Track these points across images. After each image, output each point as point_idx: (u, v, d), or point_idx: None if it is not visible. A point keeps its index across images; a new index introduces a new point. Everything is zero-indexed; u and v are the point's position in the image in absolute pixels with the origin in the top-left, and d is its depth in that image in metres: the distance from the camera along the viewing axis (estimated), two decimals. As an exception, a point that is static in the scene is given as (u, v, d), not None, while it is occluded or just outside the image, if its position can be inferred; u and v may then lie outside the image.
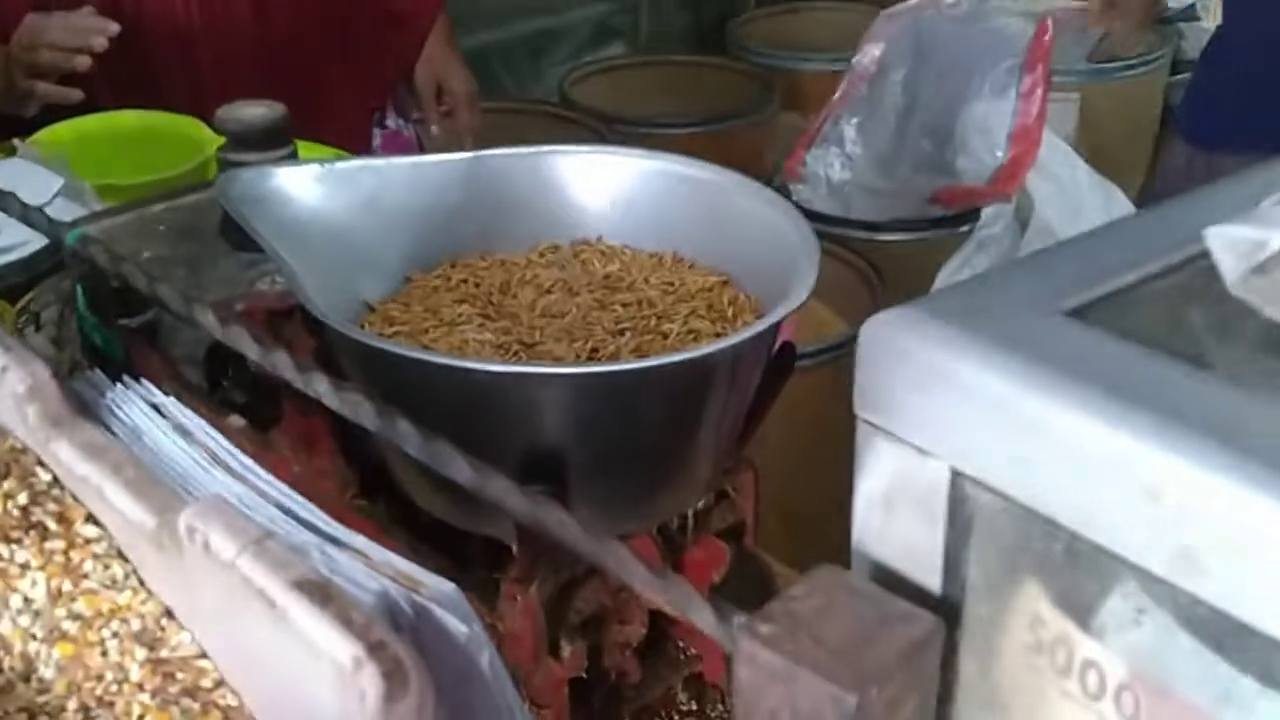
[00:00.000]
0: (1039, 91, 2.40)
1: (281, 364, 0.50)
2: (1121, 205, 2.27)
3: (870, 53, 2.52)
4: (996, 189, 2.32)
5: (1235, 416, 0.32)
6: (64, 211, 1.10)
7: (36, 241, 1.05)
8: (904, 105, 2.50)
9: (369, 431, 0.80)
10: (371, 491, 0.81)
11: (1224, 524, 0.30)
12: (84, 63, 1.29)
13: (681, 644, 0.84)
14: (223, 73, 1.50)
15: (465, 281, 0.81)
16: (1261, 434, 0.31)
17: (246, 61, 1.51)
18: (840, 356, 1.83)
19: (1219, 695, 0.31)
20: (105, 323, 0.60)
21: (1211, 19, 2.79)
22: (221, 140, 0.95)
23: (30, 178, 1.12)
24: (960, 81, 2.44)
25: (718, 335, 0.75)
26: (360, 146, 1.68)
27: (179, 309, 0.55)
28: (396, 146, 1.73)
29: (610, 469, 0.69)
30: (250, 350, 0.52)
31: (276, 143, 0.94)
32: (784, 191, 2.39)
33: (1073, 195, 2.37)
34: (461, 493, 0.72)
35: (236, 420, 0.89)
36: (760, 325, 0.70)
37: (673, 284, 0.80)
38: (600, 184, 0.84)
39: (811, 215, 2.33)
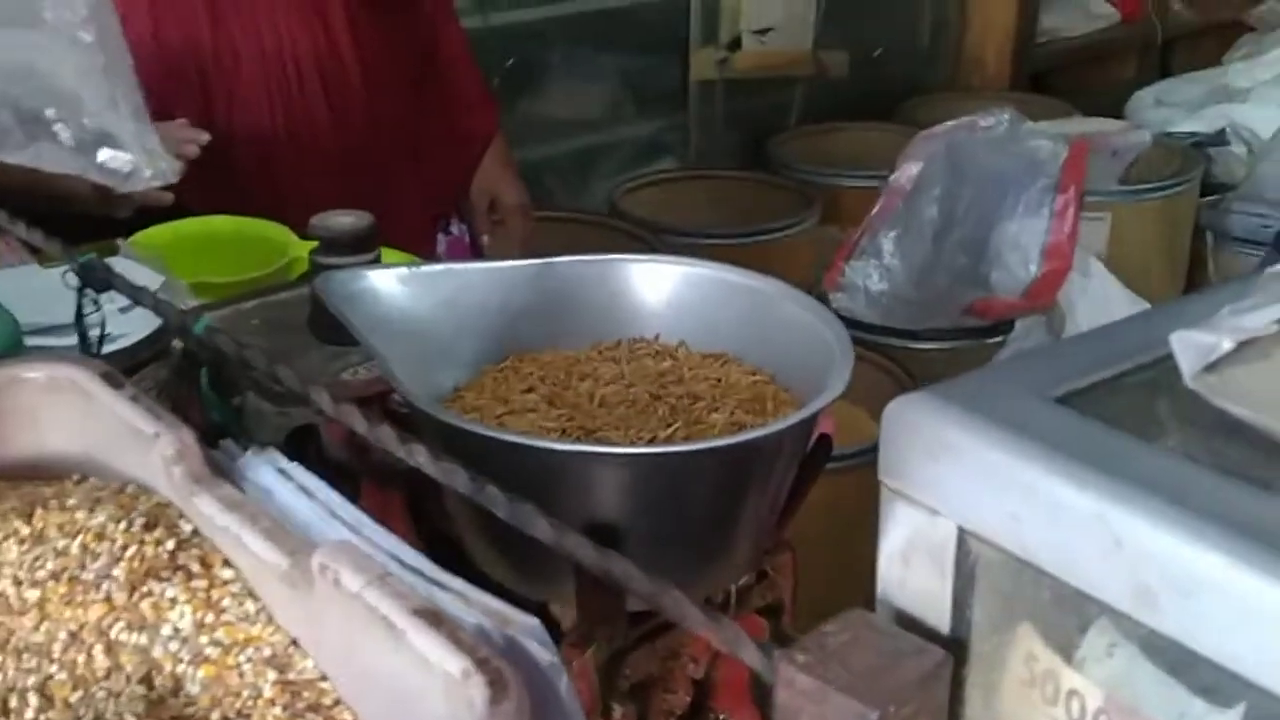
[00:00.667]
0: (1072, 210, 2.49)
1: (386, 437, 0.59)
2: (1151, 320, 2.32)
3: (907, 170, 2.62)
4: (1031, 302, 2.40)
5: (1185, 482, 0.39)
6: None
7: (137, 333, 1.15)
8: (940, 221, 2.60)
9: (439, 507, 0.88)
10: (440, 564, 0.89)
11: (1174, 567, 0.37)
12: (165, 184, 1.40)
13: (721, 715, 0.90)
14: (301, 180, 1.61)
15: (532, 373, 0.89)
16: (1205, 495, 0.38)
17: (323, 171, 1.62)
18: (874, 460, 1.89)
19: (1177, 716, 0.37)
20: (225, 402, 0.69)
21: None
22: (305, 244, 1.05)
23: (131, 274, 1.22)
24: (995, 199, 2.54)
25: (759, 423, 0.83)
26: (426, 250, 1.79)
27: (296, 388, 0.64)
28: (459, 251, 1.84)
29: (660, 544, 0.77)
30: (360, 425, 0.60)
31: (363, 248, 1.04)
32: (823, 300, 2.47)
33: (1105, 311, 2.44)
34: (526, 561, 0.80)
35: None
36: (800, 415, 0.78)
37: (719, 380, 0.88)
38: (655, 288, 0.93)
39: (850, 323, 2.41)
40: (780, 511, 0.83)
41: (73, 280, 0.77)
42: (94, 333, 0.80)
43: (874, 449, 1.76)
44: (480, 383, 0.89)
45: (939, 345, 2.42)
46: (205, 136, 1.42)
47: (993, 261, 2.51)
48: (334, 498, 0.56)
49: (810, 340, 0.86)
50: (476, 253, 1.85)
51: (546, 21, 2.57)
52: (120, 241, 1.28)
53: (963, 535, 0.43)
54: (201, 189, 1.56)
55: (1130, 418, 0.43)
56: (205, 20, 1.52)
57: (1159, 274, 2.75)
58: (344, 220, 1.05)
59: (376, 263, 1.03)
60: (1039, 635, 0.41)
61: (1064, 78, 3.58)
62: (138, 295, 0.70)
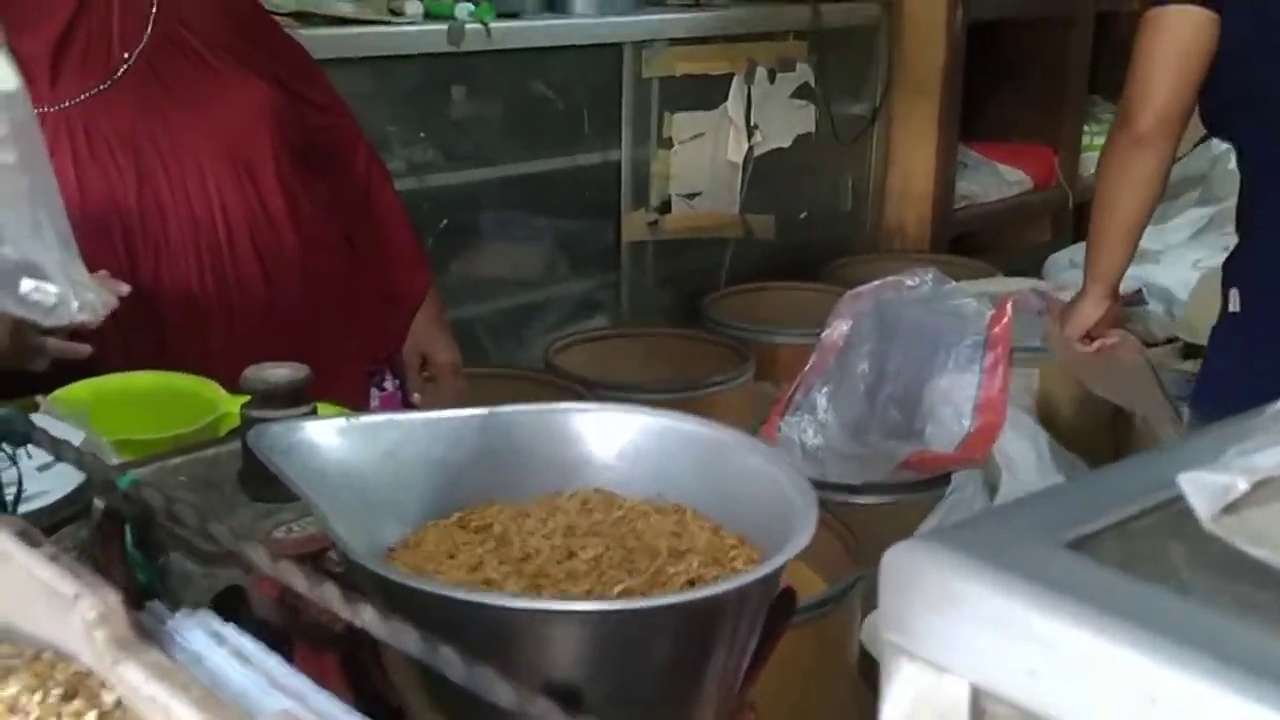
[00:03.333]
0: (1000, 368, 2.52)
1: (330, 595, 0.54)
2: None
3: (838, 327, 2.66)
4: (966, 455, 2.40)
5: (1219, 632, 0.36)
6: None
7: (56, 492, 1.09)
8: (872, 376, 2.62)
9: (380, 672, 0.82)
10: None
11: (1213, 724, 0.34)
12: (93, 321, 1.36)
13: None
14: (232, 341, 1.57)
15: (480, 528, 0.85)
16: (1244, 646, 0.35)
17: (255, 328, 1.59)
18: (823, 616, 1.86)
19: None
20: (148, 561, 0.64)
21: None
22: (234, 400, 1.00)
23: (52, 431, 1.16)
24: (925, 356, 2.57)
25: (717, 578, 0.79)
26: (359, 406, 1.74)
27: (230, 545, 0.59)
28: (392, 407, 1.80)
29: (620, 705, 0.72)
30: (300, 583, 0.55)
31: (298, 400, 1.00)
32: (759, 458, 2.46)
33: (1039, 465, 2.46)
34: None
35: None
36: (765, 569, 0.74)
37: (678, 533, 0.85)
38: (606, 438, 0.90)
39: (787, 481, 2.40)
40: (745, 671, 0.78)
41: (-11, 433, 0.72)
42: (9, 490, 0.75)
43: (820, 604, 1.72)
44: (423, 537, 0.84)
45: (878, 499, 2.41)
46: (125, 288, 1.38)
47: (926, 416, 2.52)
48: (273, 664, 0.51)
49: (770, 490, 0.83)
50: (409, 410, 1.81)
51: (480, 184, 2.60)
52: (40, 398, 1.23)
53: (976, 694, 0.39)
54: (125, 347, 1.51)
55: (1148, 563, 0.40)
56: (132, 177, 1.50)
57: (1087, 428, 2.79)
58: (279, 373, 1.01)
59: (313, 415, 0.99)
60: (1062, 802, 0.38)
61: (983, 239, 3.69)
62: (59, 450, 0.66)
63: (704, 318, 2.86)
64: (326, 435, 0.86)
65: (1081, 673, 0.37)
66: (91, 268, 1.46)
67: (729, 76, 2.95)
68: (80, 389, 1.36)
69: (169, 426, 1.30)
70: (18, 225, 0.65)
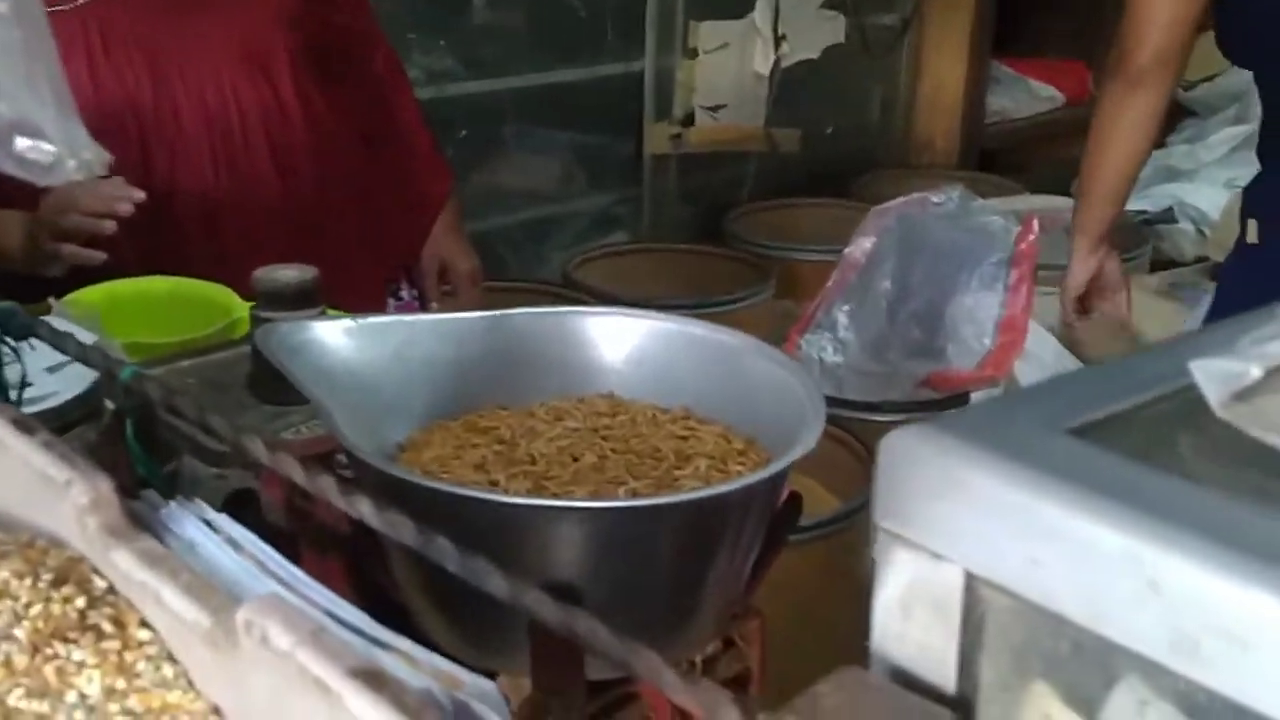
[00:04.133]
0: (1025, 286, 2.49)
1: (327, 487, 0.53)
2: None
3: (861, 245, 2.62)
4: (985, 374, 2.38)
5: (1227, 518, 0.35)
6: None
7: (67, 392, 1.09)
8: (894, 294, 2.59)
9: (384, 574, 0.82)
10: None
11: (1221, 613, 0.32)
12: (109, 227, 1.35)
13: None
14: (246, 239, 1.56)
15: (486, 429, 0.84)
16: (1252, 533, 0.34)
17: (268, 231, 1.58)
18: (835, 533, 1.85)
19: (1221, 782, 0.33)
20: (150, 456, 0.64)
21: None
22: (248, 305, 1.00)
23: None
24: (948, 274, 2.54)
25: (724, 480, 0.78)
26: (375, 313, 1.73)
27: (228, 436, 0.59)
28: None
29: (621, 607, 0.71)
30: (298, 475, 0.55)
31: (307, 302, 0.99)
32: (779, 374, 2.45)
33: (1060, 383, 2.43)
34: (477, 627, 0.74)
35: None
36: (769, 470, 0.73)
37: (685, 436, 0.84)
38: (614, 343, 0.88)
39: (806, 397, 2.39)
40: (748, 575, 0.78)
41: (-10, 325, 0.71)
42: (13, 386, 0.74)
43: (832, 521, 1.71)
44: (429, 438, 0.84)
45: (896, 418, 2.39)
46: (140, 194, 1.37)
47: (948, 335, 2.49)
48: (265, 551, 0.50)
49: (779, 394, 0.82)
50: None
51: (501, 94, 2.56)
52: (53, 300, 1.23)
53: (971, 581, 0.38)
54: (140, 249, 1.51)
55: (1155, 450, 0.39)
56: (146, 78, 1.48)
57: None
58: (288, 274, 1.00)
59: (322, 316, 0.98)
60: (1057, 694, 0.37)
61: (1013, 156, 3.63)
62: (61, 343, 0.65)
63: (726, 234, 2.83)
64: (334, 335, 0.85)
65: (1082, 560, 0.35)
66: (107, 171, 1.46)
67: (757, -17, 2.88)
68: (94, 293, 1.35)
69: (182, 331, 1.30)
70: (11, 80, 0.63)
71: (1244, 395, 0.38)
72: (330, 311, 1.36)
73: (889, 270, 2.61)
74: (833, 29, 3.08)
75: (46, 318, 1.21)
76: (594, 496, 0.75)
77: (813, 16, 3.02)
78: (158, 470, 0.65)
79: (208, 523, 0.52)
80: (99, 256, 1.39)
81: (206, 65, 1.51)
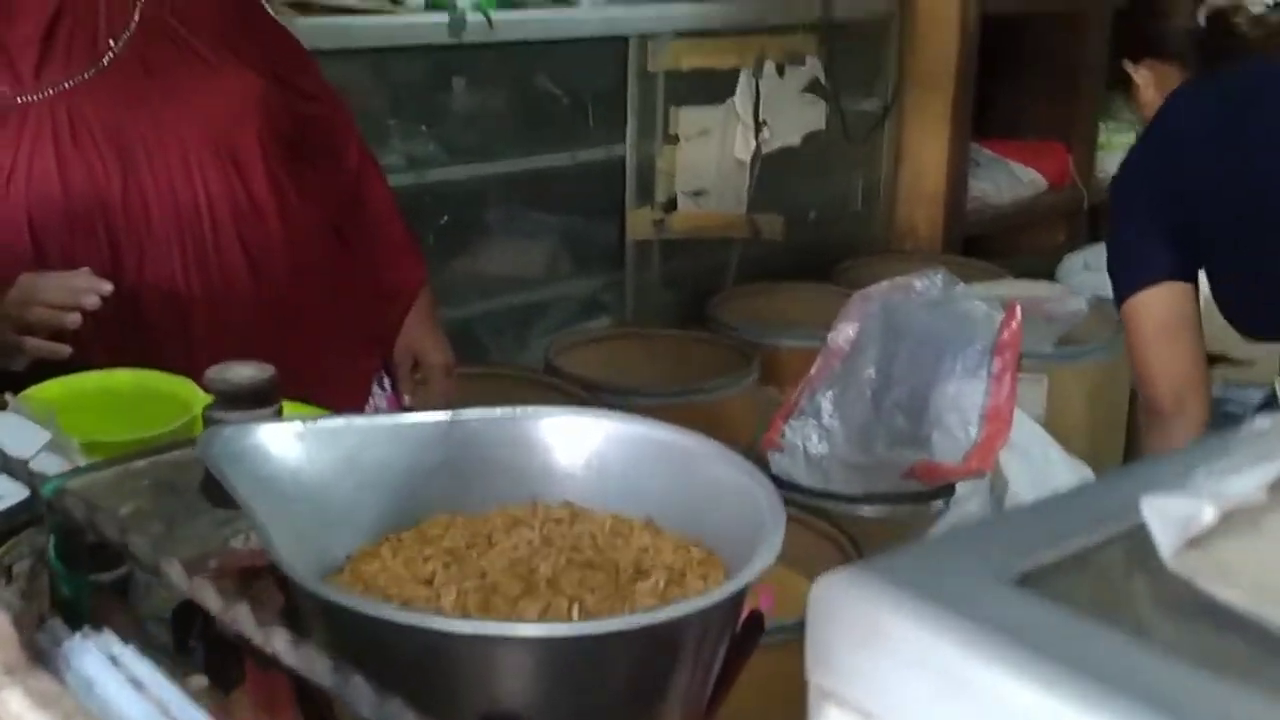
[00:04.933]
0: (1009, 375, 2.47)
1: (242, 618, 0.50)
2: (1093, 483, 2.29)
3: (845, 331, 2.60)
4: (971, 466, 2.35)
5: (1177, 685, 0.32)
6: (48, 465, 1.11)
7: (15, 495, 1.06)
8: (878, 382, 2.57)
9: (330, 694, 0.79)
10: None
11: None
12: (74, 320, 1.33)
13: None
14: (217, 337, 1.54)
15: (437, 538, 0.81)
16: (1202, 702, 0.31)
17: (240, 327, 1.55)
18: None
19: None
20: (74, 575, 0.61)
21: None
22: (210, 400, 0.97)
23: (16, 431, 1.13)
24: (932, 361, 2.52)
25: (682, 597, 0.75)
26: (359, 405, 1.71)
27: (148, 561, 0.56)
28: (395, 408, 1.76)
29: (573, 735, 0.68)
30: (213, 604, 0.52)
31: (262, 402, 0.97)
32: (763, 461, 2.42)
33: (1045, 474, 2.41)
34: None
35: (199, 680, 0.87)
36: (725, 590, 0.70)
37: (645, 549, 0.81)
38: (572, 445, 0.86)
39: (790, 486, 2.36)
40: (707, 699, 0.74)
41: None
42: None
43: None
44: (378, 550, 0.81)
45: (881, 510, 2.36)
46: (107, 286, 1.35)
47: (932, 423, 2.47)
48: (168, 693, 0.47)
49: (741, 503, 0.79)
50: (402, 411, 1.77)
51: (483, 179, 2.56)
52: (9, 396, 1.20)
53: (907, 744, 0.35)
54: (107, 345, 1.48)
55: (1102, 603, 0.36)
56: (115, 170, 1.47)
57: (1099, 438, 2.74)
58: (242, 372, 0.98)
59: (276, 417, 0.96)
60: None
61: (995, 242, 3.64)
62: (-14, 453, 0.62)
63: (710, 319, 2.82)
64: (281, 440, 0.82)
65: (1020, 727, 0.33)
66: (74, 261, 1.44)
67: (736, 71, 2.90)
68: (53, 387, 1.32)
69: (143, 427, 1.27)
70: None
71: (1198, 541, 0.35)
72: (296, 409, 1.34)
73: (873, 357, 2.59)
74: (813, 115, 3.10)
75: (3, 413, 1.19)
76: (545, 618, 0.72)
77: (793, 102, 3.04)
78: (84, 588, 0.62)
79: (113, 658, 0.49)
80: (63, 350, 1.37)
81: (176, 157, 1.50)
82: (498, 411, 0.87)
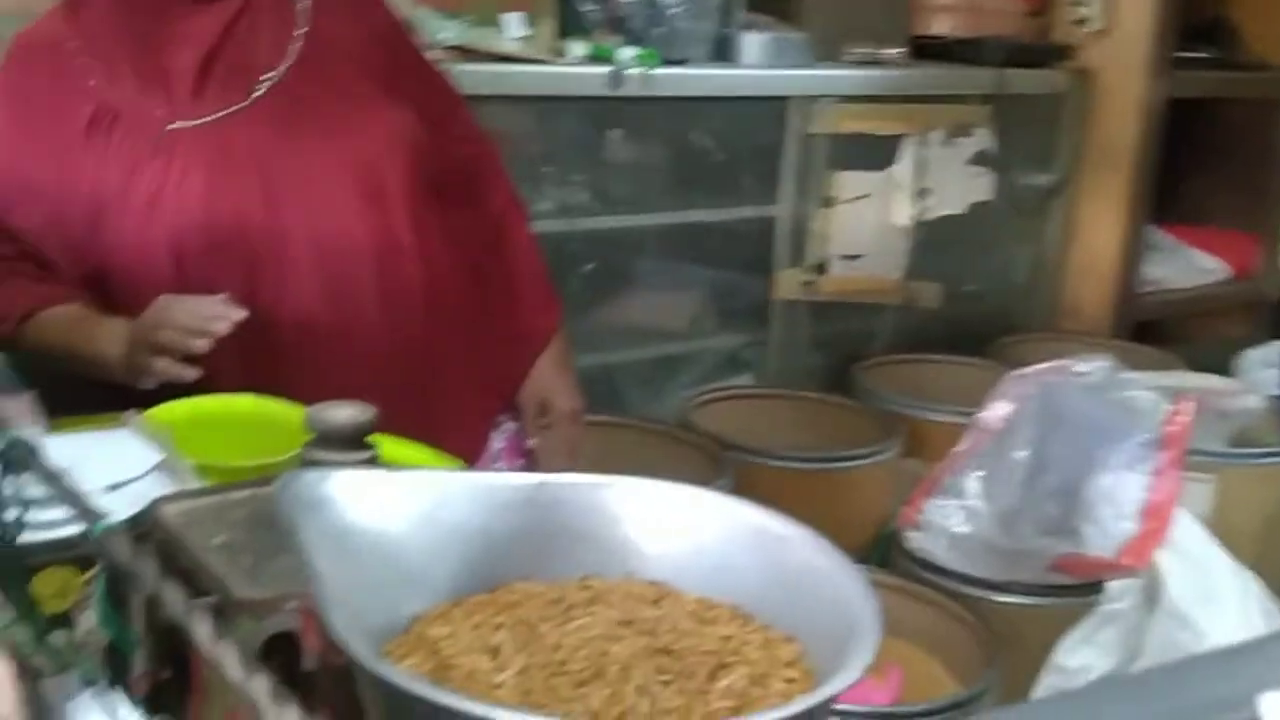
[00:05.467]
0: (1173, 471, 2.32)
1: (258, 689, 0.47)
2: (1258, 599, 2.13)
3: (998, 409, 2.49)
4: (1124, 563, 2.21)
5: None
6: (156, 487, 1.12)
7: (119, 513, 1.06)
8: (1031, 465, 2.44)
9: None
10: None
11: None
12: (203, 345, 1.34)
13: None
14: (348, 370, 1.54)
15: (511, 607, 0.77)
16: None
17: (372, 361, 1.55)
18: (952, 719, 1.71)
19: None
20: (119, 615, 0.58)
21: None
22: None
23: (128, 450, 1.14)
24: (1089, 449, 2.39)
25: (762, 700, 0.69)
26: (480, 448, 1.70)
27: (177, 614, 0.53)
28: (516, 451, 1.74)
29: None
30: (234, 671, 0.48)
31: (360, 445, 0.95)
32: (899, 539, 2.32)
33: (1206, 581, 2.24)
34: None
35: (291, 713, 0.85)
36: (805, 703, 0.64)
37: (729, 638, 0.75)
38: (665, 522, 0.81)
39: (928, 567, 2.26)
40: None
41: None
42: (10, 516, 0.70)
43: (949, 708, 1.56)
44: (449, 612, 0.77)
45: (1023, 600, 2.24)
46: (239, 313, 1.36)
47: (1084, 514, 2.33)
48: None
49: (836, 601, 0.73)
50: (526, 456, 1.75)
51: (632, 230, 2.54)
52: (129, 413, 1.21)
53: None
54: (240, 372, 1.49)
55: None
56: (259, 198, 1.48)
57: (1271, 548, 2.54)
58: (341, 413, 0.96)
59: (371, 462, 0.93)
60: None
61: (1169, 330, 3.45)
62: (52, 481, 0.61)
63: (854, 385, 2.73)
64: (360, 488, 0.79)
65: None
66: (214, 286, 1.46)
67: (900, 137, 2.82)
68: (179, 408, 1.34)
69: (260, 454, 1.27)
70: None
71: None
72: (412, 450, 1.32)
73: (1026, 439, 2.47)
74: (980, 185, 2.99)
75: (116, 431, 1.20)
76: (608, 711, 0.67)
77: (959, 172, 2.94)
78: (124, 633, 0.59)
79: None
80: (191, 374, 1.38)
81: (320, 190, 1.51)
82: (587, 478, 0.82)
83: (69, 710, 0.46)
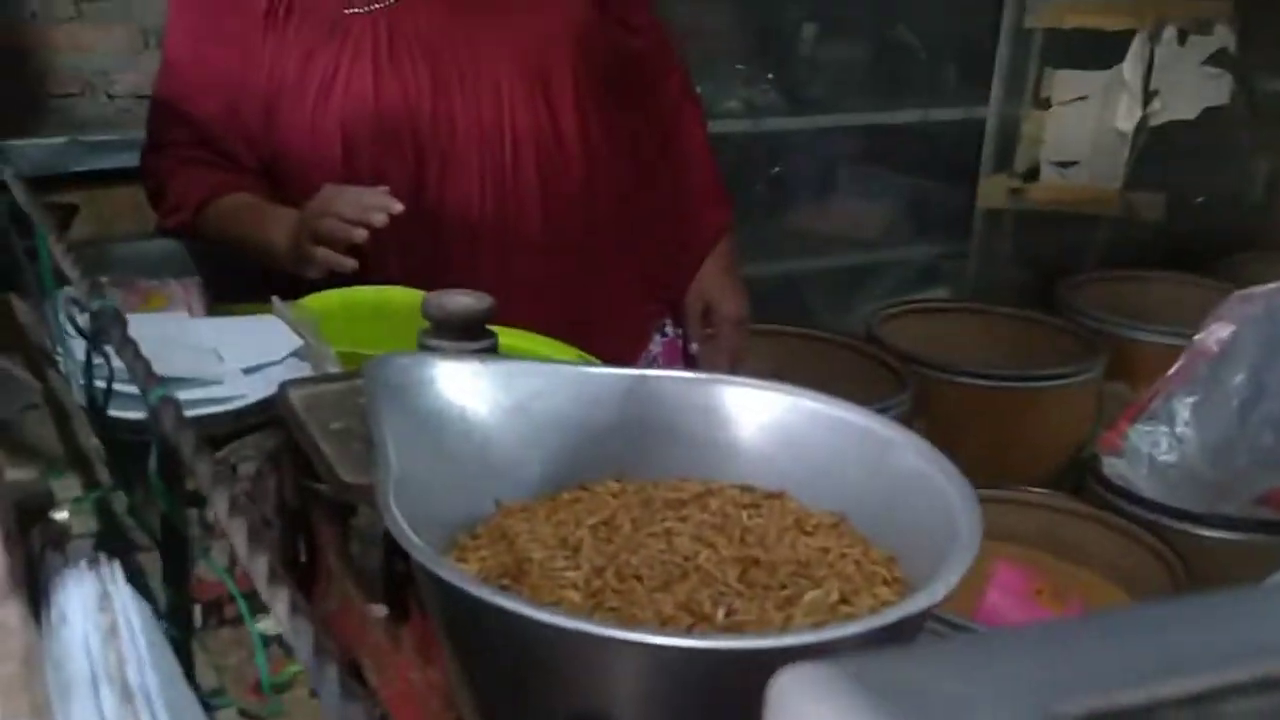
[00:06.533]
0: None
1: (259, 570, 0.45)
2: None
3: (1217, 332, 2.30)
4: (1347, 502, 2.02)
5: None
6: (291, 371, 1.13)
7: (253, 395, 1.08)
8: (1248, 392, 2.26)
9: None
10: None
11: None
12: (362, 235, 1.34)
13: None
14: (507, 260, 1.53)
15: (599, 504, 0.74)
16: None
17: (531, 253, 1.54)
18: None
19: None
20: (173, 490, 0.58)
21: None
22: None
23: (268, 335, 1.16)
24: (1318, 377, 2.19)
25: (848, 616, 0.64)
26: (637, 351, 1.67)
27: (204, 485, 0.51)
28: (674, 355, 1.71)
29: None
30: (240, 546, 0.46)
31: (476, 334, 0.92)
32: (1096, 465, 2.19)
33: None
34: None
35: (379, 609, 0.85)
36: (889, 616, 0.58)
37: (826, 550, 0.70)
38: (766, 422, 0.75)
39: (1125, 495, 2.12)
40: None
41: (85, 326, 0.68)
42: (100, 384, 0.71)
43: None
44: (533, 508, 0.74)
45: (1226, 535, 2.08)
46: (397, 206, 1.35)
47: (1305, 448, 2.15)
48: (139, 646, 0.42)
49: (934, 509, 0.66)
50: (688, 360, 1.71)
51: (823, 132, 2.44)
52: (276, 300, 1.23)
53: None
54: (404, 256, 1.51)
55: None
56: (427, 85, 1.47)
57: None
58: (459, 300, 0.93)
59: (489, 353, 0.91)
60: None
61: None
62: (121, 349, 0.60)
63: (1060, 302, 2.57)
64: (454, 376, 0.77)
65: None
66: (381, 174, 1.47)
67: (1129, 34, 2.60)
68: (332, 297, 1.35)
69: (406, 343, 1.27)
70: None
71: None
72: (558, 349, 1.30)
73: (1246, 364, 2.28)
74: (1215, 89, 2.74)
75: (259, 316, 1.22)
76: (679, 617, 0.63)
77: (1192, 73, 2.70)
78: (178, 508, 0.59)
79: (104, 596, 0.44)
80: (349, 264, 1.39)
81: (487, 80, 1.49)
82: (688, 375, 0.77)
83: (60, 581, 0.45)
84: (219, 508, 0.49)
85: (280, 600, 0.43)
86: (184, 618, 0.61)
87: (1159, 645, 0.24)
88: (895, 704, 0.24)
